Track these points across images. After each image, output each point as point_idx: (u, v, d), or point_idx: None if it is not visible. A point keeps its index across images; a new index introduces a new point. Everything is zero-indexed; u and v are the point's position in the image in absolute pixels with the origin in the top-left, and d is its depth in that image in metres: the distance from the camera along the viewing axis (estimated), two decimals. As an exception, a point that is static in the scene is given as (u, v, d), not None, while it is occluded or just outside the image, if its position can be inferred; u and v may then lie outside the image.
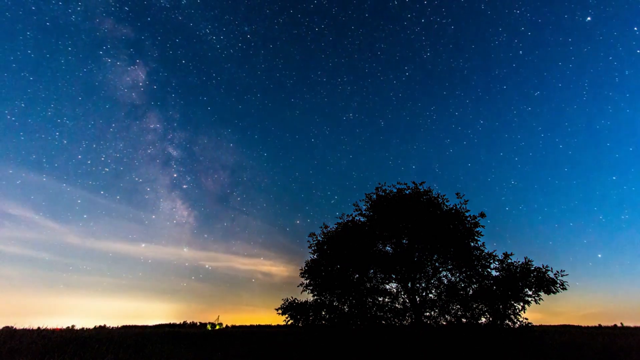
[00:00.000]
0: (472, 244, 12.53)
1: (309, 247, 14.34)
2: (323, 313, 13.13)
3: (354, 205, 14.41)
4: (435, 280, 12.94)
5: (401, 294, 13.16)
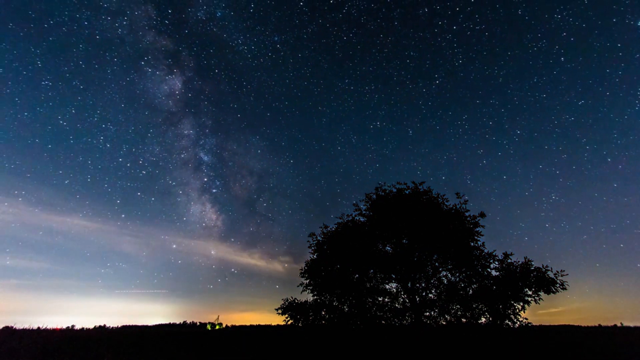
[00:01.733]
0: (472, 243, 12.51)
1: (308, 247, 14.34)
2: (323, 313, 13.12)
3: (353, 205, 14.41)
4: (435, 280, 12.93)
5: (401, 294, 13.14)
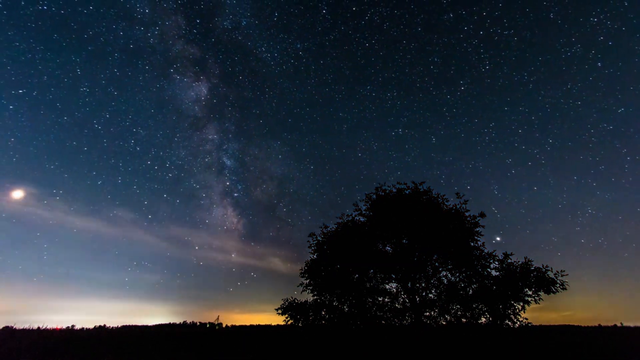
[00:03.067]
0: (472, 244, 12.51)
1: (308, 247, 14.33)
2: (323, 313, 13.11)
3: (353, 205, 14.40)
4: (435, 280, 12.92)
5: (401, 294, 13.14)
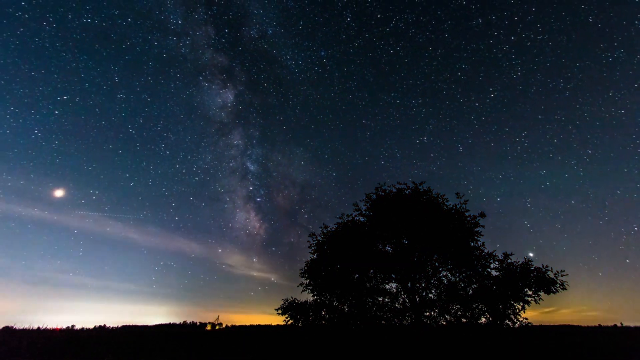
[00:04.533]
0: (472, 243, 12.51)
1: (308, 247, 14.33)
2: (323, 313, 13.11)
3: (353, 205, 14.39)
4: (435, 280, 12.92)
5: (401, 294, 13.14)
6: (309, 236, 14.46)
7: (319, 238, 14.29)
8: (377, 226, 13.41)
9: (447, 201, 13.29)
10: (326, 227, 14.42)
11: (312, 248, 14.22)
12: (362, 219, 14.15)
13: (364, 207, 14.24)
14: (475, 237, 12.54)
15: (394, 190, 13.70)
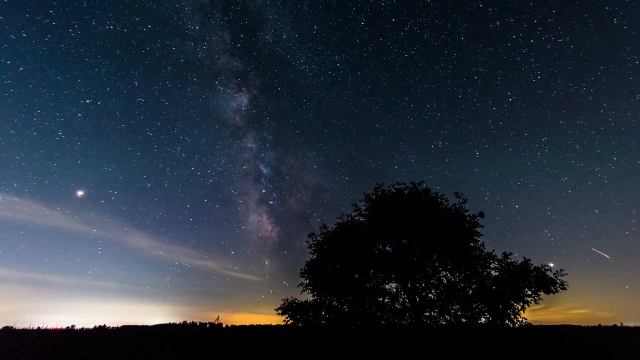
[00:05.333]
0: (472, 243, 12.52)
1: (308, 247, 14.35)
2: (323, 313, 13.12)
3: (353, 205, 14.41)
4: (435, 280, 12.93)
5: (401, 294, 13.15)
6: (308, 236, 14.49)
7: (318, 238, 14.31)
8: (376, 226, 13.42)
9: (446, 201, 13.31)
10: (326, 227, 14.44)
11: (312, 248, 14.24)
12: (361, 219, 14.17)
13: (364, 207, 14.27)
14: (475, 237, 12.56)
15: (393, 190, 13.72)
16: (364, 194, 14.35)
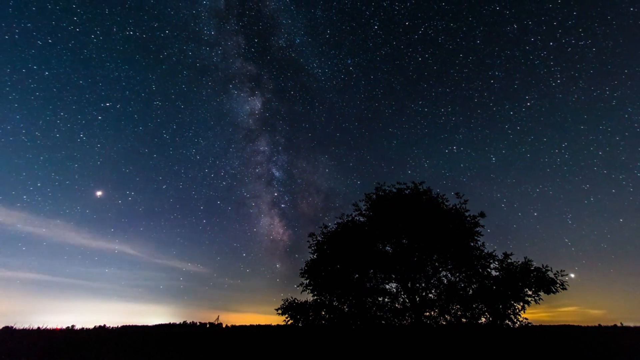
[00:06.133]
0: (472, 243, 12.51)
1: (308, 247, 14.34)
2: (323, 313, 13.12)
3: (353, 205, 14.40)
4: (435, 280, 12.92)
5: (401, 294, 13.14)
6: (308, 236, 14.48)
7: (319, 238, 14.30)
8: (377, 226, 13.42)
9: (447, 201, 13.31)
10: (326, 227, 14.44)
11: (312, 248, 14.24)
12: (361, 219, 14.16)
13: (364, 207, 14.26)
14: (475, 237, 12.55)
15: (394, 190, 13.71)
16: (365, 194, 14.35)
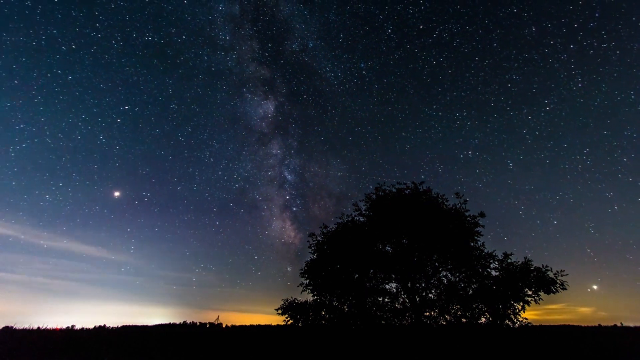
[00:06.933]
0: (472, 243, 12.52)
1: (308, 247, 14.35)
2: (323, 313, 13.12)
3: (353, 205, 14.41)
4: (435, 280, 12.93)
5: (401, 294, 13.15)
6: (308, 236, 14.49)
7: (319, 238, 14.30)
8: (377, 226, 13.42)
9: (446, 201, 13.31)
10: (326, 227, 14.44)
11: (312, 248, 14.24)
12: (361, 219, 14.16)
13: (364, 207, 14.26)
14: (475, 237, 12.55)
15: (394, 190, 13.71)
16: (365, 194, 14.35)
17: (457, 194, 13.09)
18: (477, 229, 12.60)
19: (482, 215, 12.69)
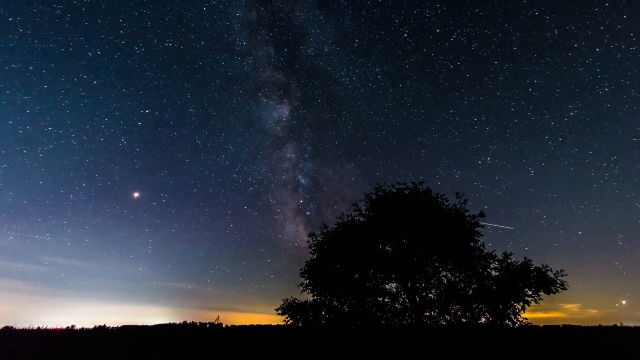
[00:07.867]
0: (472, 243, 12.51)
1: (308, 247, 14.34)
2: (323, 313, 13.12)
3: (353, 205, 14.40)
4: (435, 280, 12.92)
5: (401, 294, 13.14)
6: (308, 236, 14.48)
7: (319, 238, 14.29)
8: (377, 226, 13.41)
9: (446, 201, 13.30)
10: (326, 227, 14.43)
11: (312, 248, 14.23)
12: (361, 219, 14.15)
13: (364, 207, 14.25)
14: (475, 237, 12.55)
15: (394, 190, 13.70)
16: (365, 194, 14.34)
17: (457, 194, 13.09)
18: (477, 229, 12.59)
19: (482, 215, 12.69)
